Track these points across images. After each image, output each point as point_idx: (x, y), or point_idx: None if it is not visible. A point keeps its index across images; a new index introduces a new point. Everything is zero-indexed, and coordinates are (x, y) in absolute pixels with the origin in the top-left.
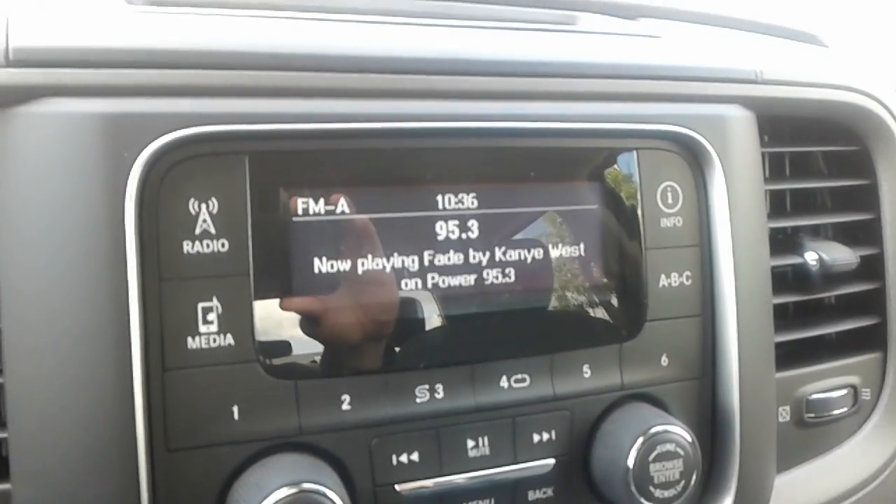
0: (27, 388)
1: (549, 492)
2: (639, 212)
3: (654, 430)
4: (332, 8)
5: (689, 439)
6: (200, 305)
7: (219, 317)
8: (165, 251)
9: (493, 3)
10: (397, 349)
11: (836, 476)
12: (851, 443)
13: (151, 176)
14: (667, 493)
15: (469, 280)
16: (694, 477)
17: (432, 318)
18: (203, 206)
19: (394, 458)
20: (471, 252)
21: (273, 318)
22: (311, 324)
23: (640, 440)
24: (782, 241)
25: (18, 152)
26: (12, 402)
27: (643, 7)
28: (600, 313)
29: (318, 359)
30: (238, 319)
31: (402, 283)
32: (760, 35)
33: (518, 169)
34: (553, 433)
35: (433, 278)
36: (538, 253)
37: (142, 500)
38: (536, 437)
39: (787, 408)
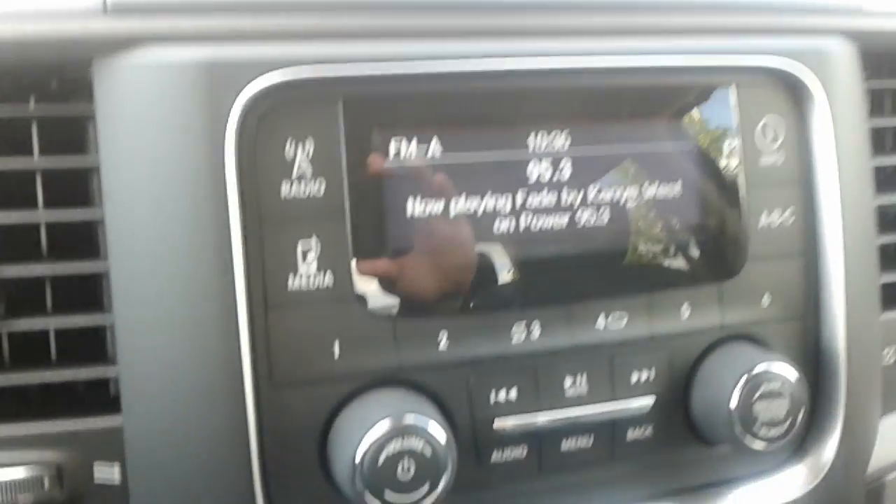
0: (136, 327)
1: (649, 431)
2: (738, 149)
3: (758, 368)
4: None
5: (796, 376)
6: (300, 246)
7: (318, 257)
8: (265, 193)
9: None
10: (492, 289)
11: None
12: None
13: (249, 120)
14: (773, 432)
15: (562, 220)
16: (801, 415)
17: (527, 259)
18: (299, 148)
19: (492, 395)
20: (564, 192)
21: (370, 259)
22: (407, 263)
23: (744, 378)
24: (884, 180)
25: (118, 100)
26: (122, 341)
27: None
28: (699, 252)
29: (414, 297)
30: (336, 259)
31: (496, 223)
32: None
33: (612, 108)
34: (652, 372)
35: (527, 218)
36: (633, 192)
37: (249, 433)
38: (635, 377)
39: (893, 349)
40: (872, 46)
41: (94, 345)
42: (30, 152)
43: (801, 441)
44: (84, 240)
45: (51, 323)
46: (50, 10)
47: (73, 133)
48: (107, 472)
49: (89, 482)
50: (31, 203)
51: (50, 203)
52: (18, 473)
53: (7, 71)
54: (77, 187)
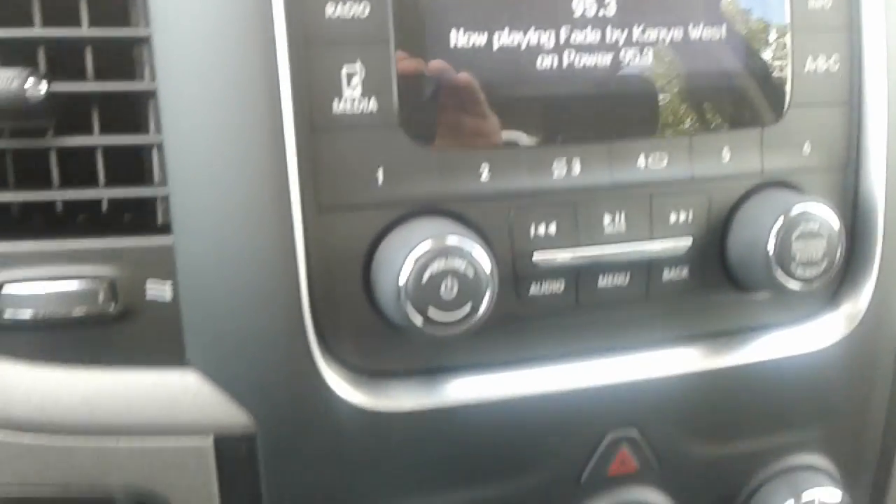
0: (186, 147)
1: (685, 272)
2: None
3: (796, 208)
4: None
5: (833, 218)
6: (344, 69)
7: (362, 81)
8: (309, 15)
9: None
10: (535, 123)
11: None
12: None
13: None
14: (809, 272)
15: (606, 59)
16: (838, 256)
17: (569, 95)
18: None
19: (532, 228)
20: (608, 30)
21: (414, 86)
22: (450, 94)
23: (782, 219)
24: None
25: None
26: (172, 161)
27: None
28: (742, 96)
29: (457, 128)
30: (380, 84)
31: (540, 59)
32: None
33: None
34: (690, 213)
35: (570, 55)
36: (677, 33)
37: (297, 255)
38: (673, 217)
39: None
40: None
41: (138, 177)
42: None
43: (836, 291)
44: (128, 62)
45: (99, 141)
46: None
47: None
48: (159, 290)
49: (142, 298)
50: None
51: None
52: (73, 286)
53: None
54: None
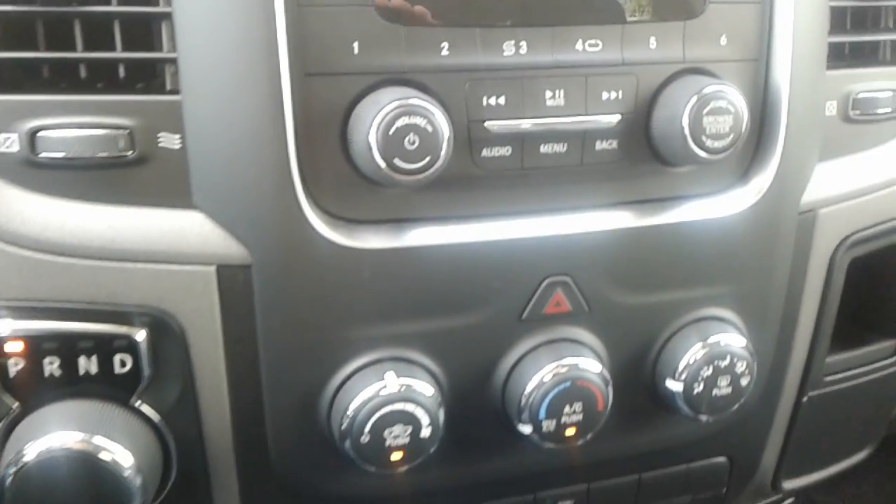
0: (193, 21)
1: (614, 144)
2: None
3: (708, 89)
4: None
5: (739, 97)
6: None
7: None
8: None
9: None
10: (490, 7)
11: (874, 170)
12: (892, 143)
13: None
14: (718, 144)
15: None
16: (743, 129)
17: None
18: None
19: (484, 99)
20: None
21: None
22: None
23: (695, 98)
24: None
25: None
26: (181, 32)
27: None
28: None
29: (423, 8)
30: None
31: None
32: None
33: None
34: (620, 93)
35: None
36: None
37: (285, 114)
38: (605, 95)
39: (835, 103)
40: None
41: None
42: None
43: (746, 168)
44: None
45: (116, 9)
46: None
47: None
48: (169, 140)
49: (154, 147)
50: None
51: None
52: (98, 133)
53: None
54: None
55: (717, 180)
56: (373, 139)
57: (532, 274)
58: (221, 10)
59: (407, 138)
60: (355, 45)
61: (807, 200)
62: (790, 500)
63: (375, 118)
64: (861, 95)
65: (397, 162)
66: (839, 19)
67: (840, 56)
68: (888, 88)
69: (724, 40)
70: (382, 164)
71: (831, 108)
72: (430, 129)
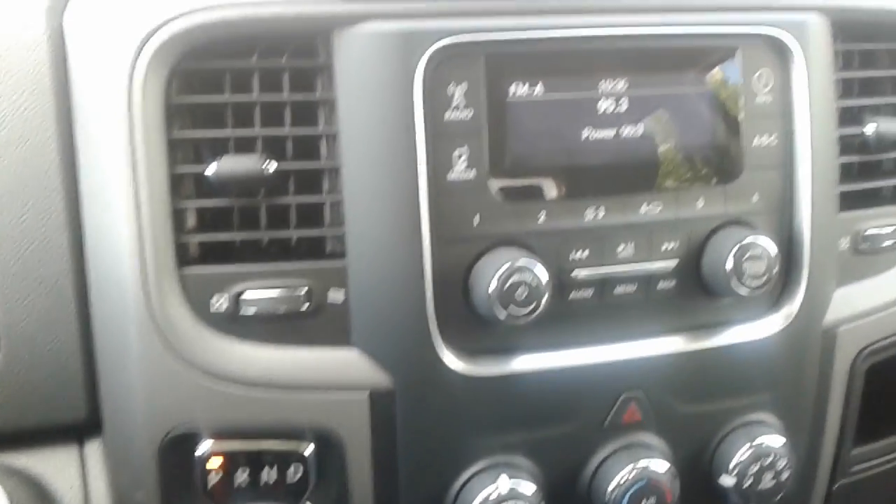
0: (358, 204)
1: (673, 283)
2: (741, 91)
3: (747, 239)
4: None
5: (772, 245)
6: (456, 152)
7: (467, 159)
8: (436, 118)
9: None
10: (575, 183)
11: (883, 291)
12: None
13: (428, 69)
14: (755, 283)
15: (623, 140)
16: (775, 272)
17: (598, 166)
18: (457, 88)
19: (571, 254)
20: (624, 121)
21: (499, 162)
22: (522, 166)
23: (737, 247)
24: (849, 117)
25: (350, 57)
26: (349, 212)
27: None
28: (711, 163)
29: (525, 190)
30: (479, 161)
31: (582, 138)
32: None
33: (659, 63)
34: (676, 244)
35: (598, 136)
36: (672, 119)
37: (425, 272)
38: (664, 246)
39: (847, 238)
40: (841, 18)
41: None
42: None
43: (777, 298)
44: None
45: (295, 200)
46: None
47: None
48: (336, 295)
49: (324, 300)
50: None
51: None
52: (283, 292)
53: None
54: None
55: (754, 309)
56: (493, 293)
57: (611, 390)
58: (379, 195)
59: (518, 291)
60: (476, 218)
61: (828, 320)
62: None
63: (494, 276)
64: (868, 232)
65: (511, 310)
66: (847, 171)
67: (850, 200)
68: (890, 224)
69: (756, 197)
70: (501, 314)
71: (844, 243)
72: (534, 282)
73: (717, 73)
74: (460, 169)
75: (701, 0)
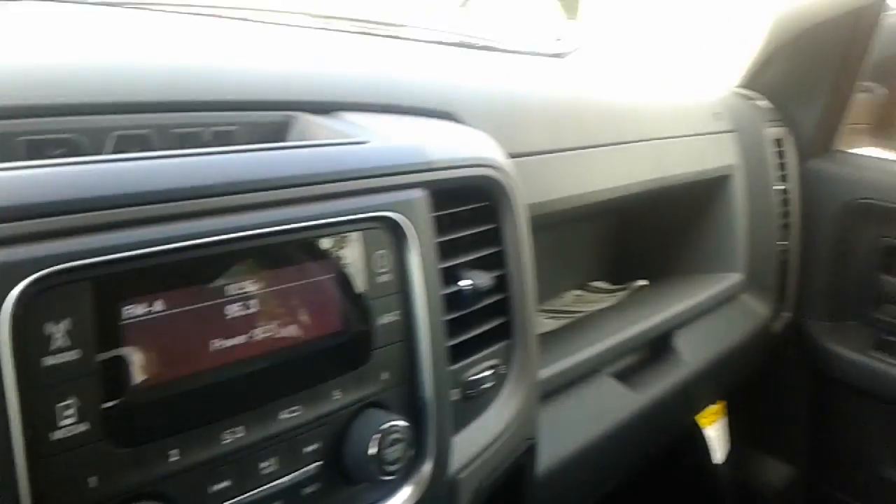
0: None
1: (320, 485)
2: (364, 273)
3: (385, 425)
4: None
5: (407, 426)
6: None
7: (76, 408)
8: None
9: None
10: (209, 405)
11: (489, 426)
12: (497, 403)
13: (17, 309)
14: (396, 467)
15: (253, 348)
16: (414, 451)
17: (230, 377)
18: (57, 326)
19: (210, 487)
20: (249, 322)
21: (116, 405)
22: (142, 403)
23: (378, 435)
24: (450, 276)
25: None
26: None
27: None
28: (343, 351)
29: (150, 429)
30: (90, 410)
31: (208, 352)
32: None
33: (279, 257)
34: (320, 443)
35: (226, 347)
36: (298, 320)
37: None
38: (306, 449)
39: (458, 390)
40: (437, 189)
41: None
42: None
43: (413, 466)
44: None
45: None
46: None
47: None
48: None
49: None
50: None
51: None
52: None
53: None
54: None
55: (389, 485)
56: None
57: None
58: None
59: None
60: (93, 479)
61: (450, 472)
62: None
63: None
64: (471, 378)
65: None
66: (453, 326)
67: (455, 353)
68: (489, 368)
69: (385, 375)
70: None
71: (456, 394)
72: None
73: (340, 258)
74: (67, 423)
75: (314, 188)
